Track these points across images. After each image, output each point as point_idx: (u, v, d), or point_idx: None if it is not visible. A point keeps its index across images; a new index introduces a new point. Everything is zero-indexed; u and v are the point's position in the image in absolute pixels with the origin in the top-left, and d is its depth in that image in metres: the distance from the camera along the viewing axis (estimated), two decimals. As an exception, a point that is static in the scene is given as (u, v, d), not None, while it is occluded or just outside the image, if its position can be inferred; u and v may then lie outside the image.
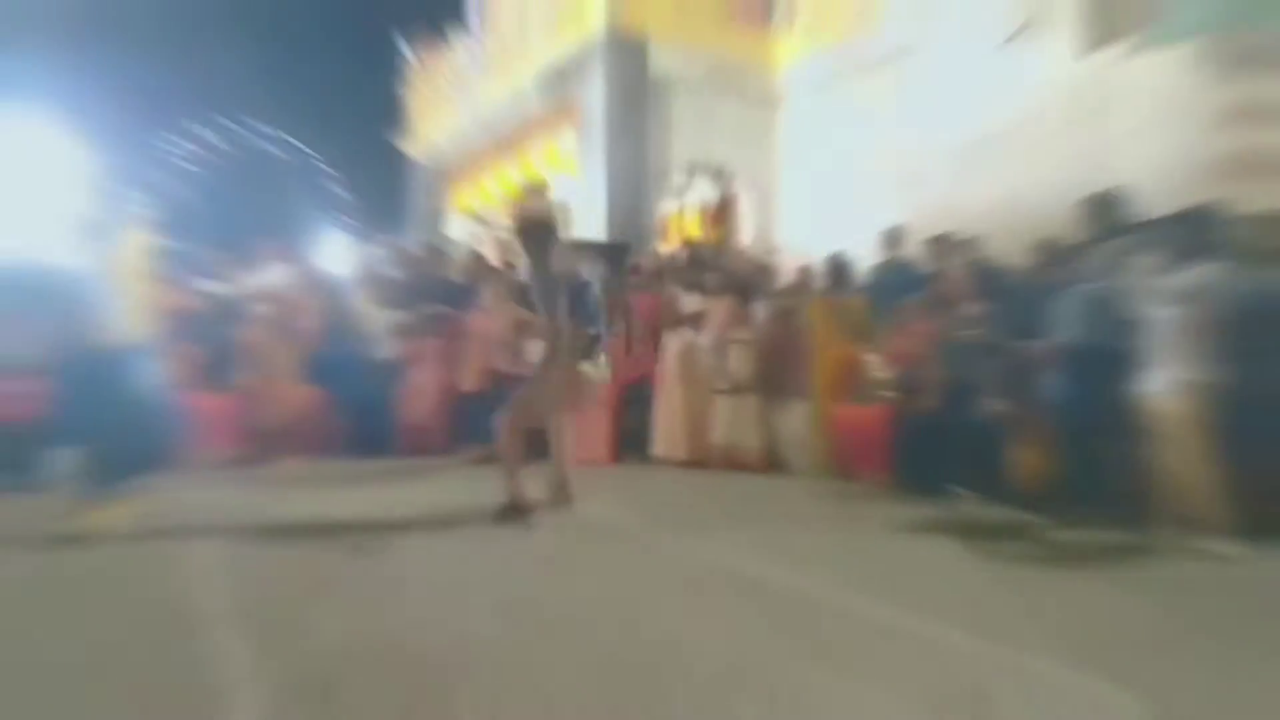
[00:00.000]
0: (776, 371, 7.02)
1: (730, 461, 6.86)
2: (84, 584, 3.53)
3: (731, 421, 6.96)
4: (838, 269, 7.24)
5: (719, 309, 7.48)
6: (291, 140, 27.46)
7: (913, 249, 7.72)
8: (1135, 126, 7.13)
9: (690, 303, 7.49)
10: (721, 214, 11.88)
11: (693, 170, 11.30)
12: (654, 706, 2.41)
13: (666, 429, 7.20)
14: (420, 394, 7.17)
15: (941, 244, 7.22)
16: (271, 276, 7.27)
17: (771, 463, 6.84)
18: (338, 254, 12.59)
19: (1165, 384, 4.25)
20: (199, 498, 5.35)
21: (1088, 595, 3.56)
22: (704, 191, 12.04)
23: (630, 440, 7.29)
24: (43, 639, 2.85)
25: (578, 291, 4.92)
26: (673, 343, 7.35)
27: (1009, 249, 6.64)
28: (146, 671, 2.59)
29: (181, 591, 3.38)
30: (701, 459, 7.03)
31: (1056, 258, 5.76)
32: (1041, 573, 3.96)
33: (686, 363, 7.27)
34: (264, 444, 6.64)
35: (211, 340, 6.89)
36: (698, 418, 7.18)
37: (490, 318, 7.48)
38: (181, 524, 4.57)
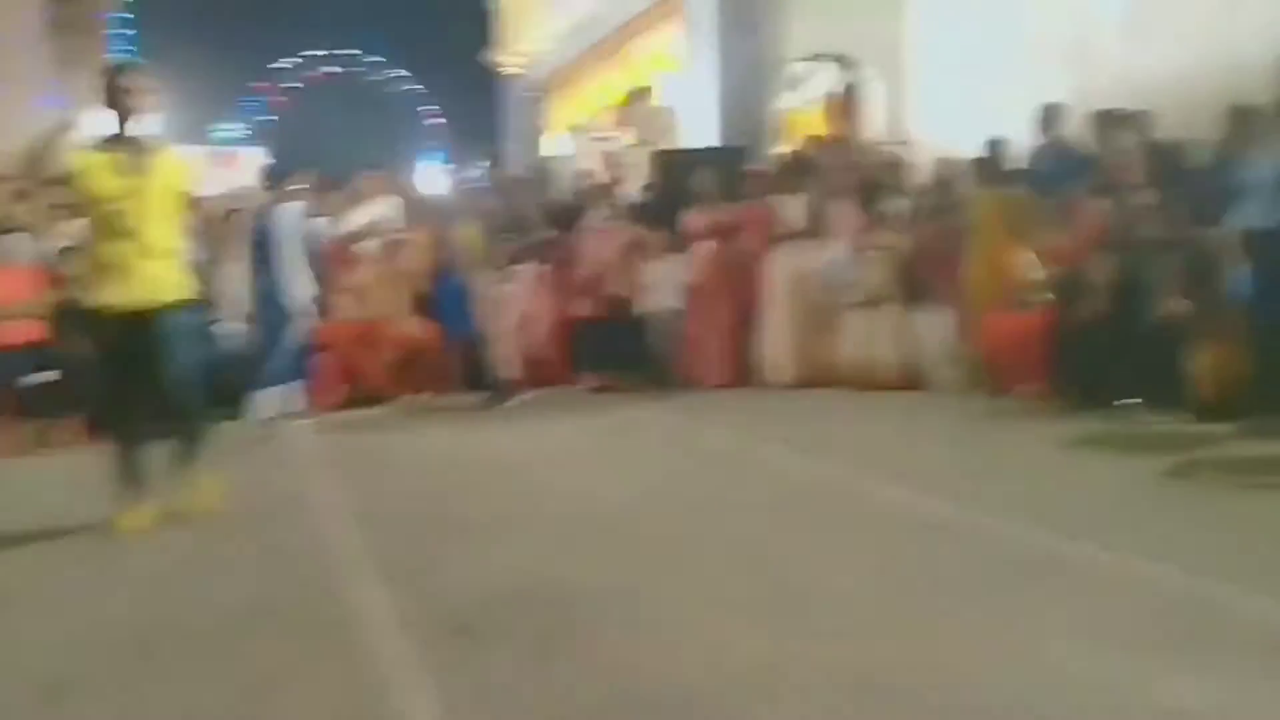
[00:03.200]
0: (918, 278, 6.76)
1: (863, 380, 6.69)
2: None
3: (865, 336, 6.76)
4: (996, 158, 6.80)
5: (844, 214, 7.22)
6: (384, 63, 28.03)
7: (1075, 129, 7.17)
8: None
9: (794, 210, 7.23)
10: (847, 105, 11.37)
11: (813, 59, 10.82)
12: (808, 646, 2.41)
13: (773, 351, 7.09)
14: (534, 323, 7.30)
15: (1108, 120, 6.65)
16: (377, 210, 7.48)
17: (911, 379, 6.63)
18: (439, 181, 12.86)
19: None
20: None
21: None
22: (827, 82, 11.54)
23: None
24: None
25: None
26: (779, 259, 7.16)
27: (1192, 125, 6.07)
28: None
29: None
30: (814, 380, 6.90)
31: (1251, 128, 5.22)
32: (1233, 492, 3.73)
33: (795, 279, 7.08)
34: (382, 383, 6.94)
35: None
36: (809, 336, 7.01)
37: (601, 240, 7.50)
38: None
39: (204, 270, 5.46)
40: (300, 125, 25.42)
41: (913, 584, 2.81)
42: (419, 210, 7.83)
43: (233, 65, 25.73)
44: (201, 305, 3.85)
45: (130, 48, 17.57)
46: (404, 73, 28.24)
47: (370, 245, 7.32)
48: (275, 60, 27.24)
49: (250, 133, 25.51)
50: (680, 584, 2.88)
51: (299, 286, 6.13)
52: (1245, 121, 5.31)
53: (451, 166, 21.76)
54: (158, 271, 3.56)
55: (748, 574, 2.95)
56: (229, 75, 25.60)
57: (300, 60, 27.21)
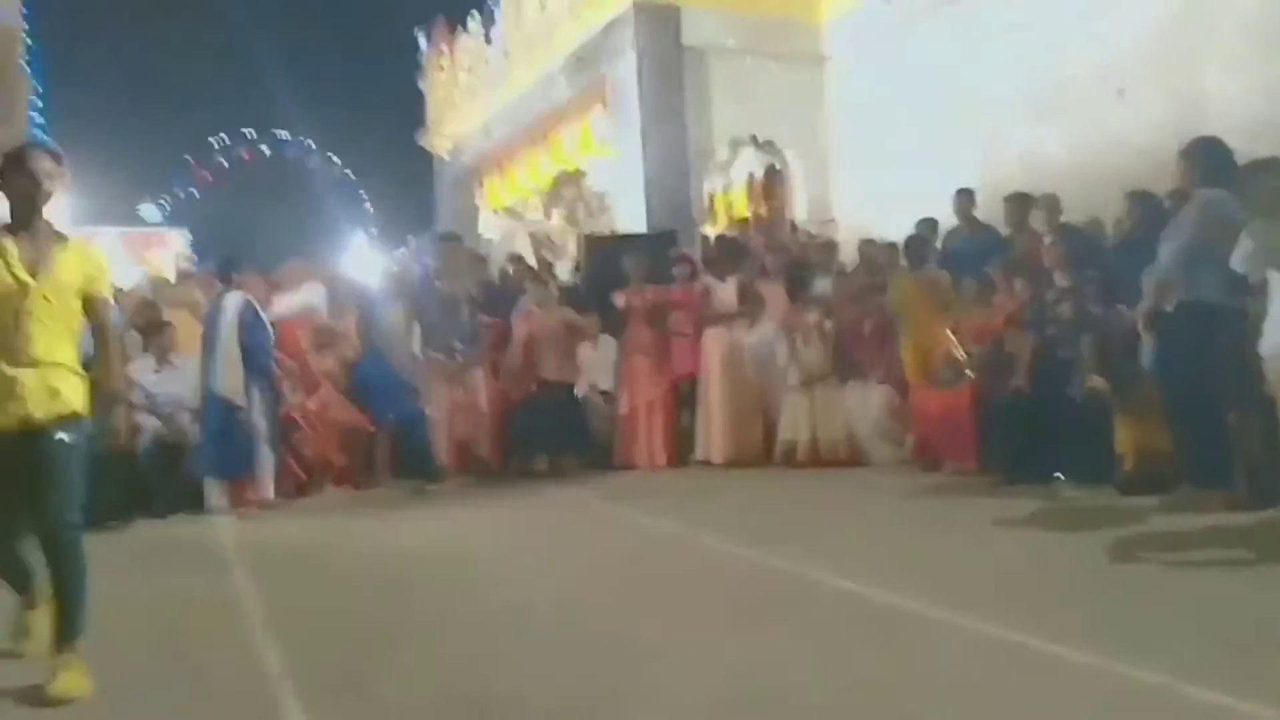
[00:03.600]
0: (850, 356, 6.86)
1: (798, 459, 6.71)
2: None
3: (800, 415, 6.80)
4: (922, 239, 7.02)
5: (774, 294, 7.34)
6: (313, 146, 27.93)
7: (988, 211, 7.48)
8: (1237, 56, 6.79)
9: (725, 292, 7.32)
10: (771, 188, 11.70)
11: (736, 144, 11.14)
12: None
13: (708, 431, 7.09)
14: (469, 407, 7.16)
15: (1021, 204, 6.96)
16: (302, 298, 7.33)
17: (846, 457, 6.67)
18: (368, 265, 12.73)
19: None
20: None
21: (1216, 592, 3.38)
22: (750, 165, 11.88)
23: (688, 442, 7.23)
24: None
25: None
26: (712, 340, 7.22)
27: (1096, 206, 6.39)
28: None
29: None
30: (749, 460, 6.90)
31: (1149, 212, 5.50)
32: (1162, 567, 3.78)
33: (728, 359, 7.14)
34: (311, 473, 6.71)
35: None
36: (744, 416, 7.05)
37: (534, 322, 7.46)
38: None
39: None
40: (226, 207, 25.05)
41: (875, 684, 2.70)
42: (345, 296, 7.70)
43: (159, 145, 25.40)
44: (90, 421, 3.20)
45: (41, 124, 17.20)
46: (333, 156, 28.19)
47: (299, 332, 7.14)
48: (202, 140, 26.96)
49: (173, 214, 25.01)
50: (633, 692, 2.75)
51: (234, 378, 6.05)
52: (1143, 207, 5.59)
53: (380, 248, 21.63)
54: (46, 384, 2.94)
55: (704, 677, 2.83)
56: (155, 155, 25.23)
57: (227, 141, 26.96)
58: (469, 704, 2.71)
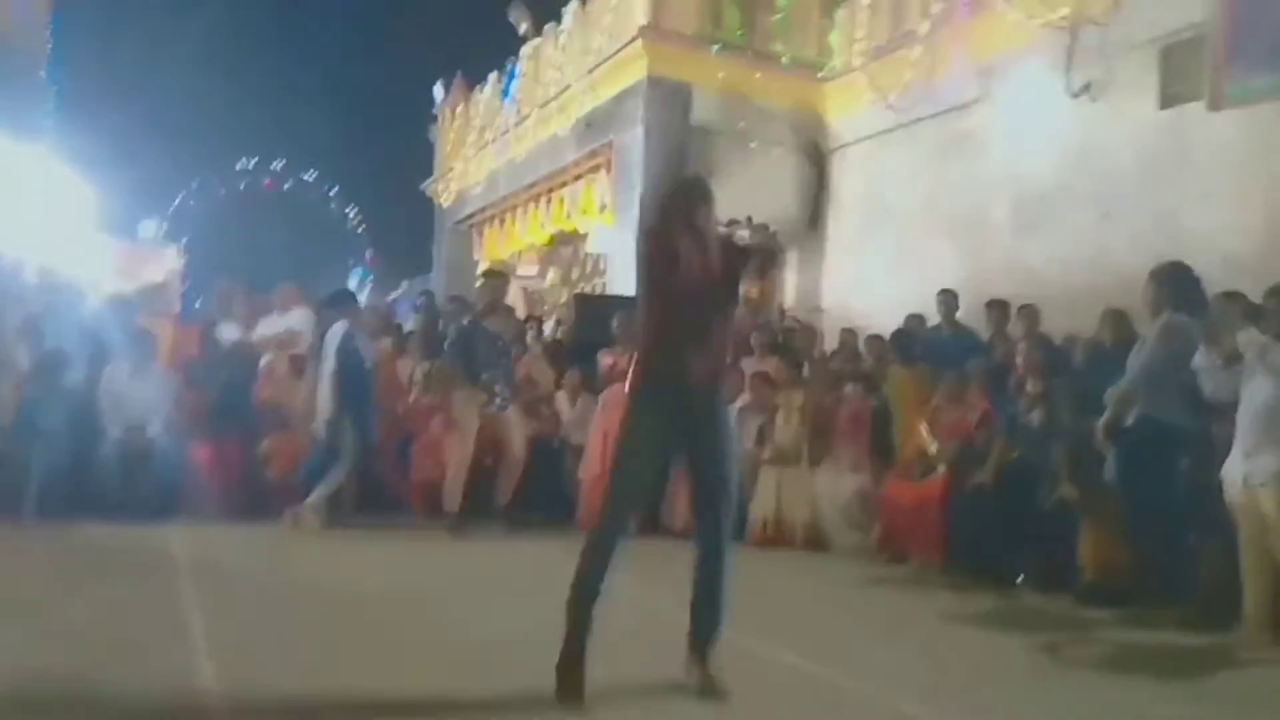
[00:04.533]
0: (824, 441, 6.89)
1: (766, 537, 6.67)
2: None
3: (771, 494, 6.78)
4: (910, 333, 7.14)
5: (756, 372, 7.39)
6: (318, 183, 28.24)
7: (970, 315, 7.64)
8: (1214, 183, 7.05)
9: None
10: (763, 271, 11.88)
11: (734, 223, 11.34)
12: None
13: (679, 500, 6.99)
14: (435, 451, 7.10)
15: (1001, 311, 7.14)
16: (289, 321, 7.35)
17: (813, 540, 6.64)
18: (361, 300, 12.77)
19: (1258, 472, 4.07)
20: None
21: (1145, 709, 3.40)
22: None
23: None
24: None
25: None
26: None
27: (1075, 322, 6.54)
28: None
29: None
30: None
31: (1125, 330, 5.65)
32: (1107, 679, 3.79)
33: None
34: (271, 497, 6.62)
35: (222, 387, 6.96)
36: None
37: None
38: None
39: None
40: (224, 230, 25.13)
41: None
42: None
43: (165, 165, 25.57)
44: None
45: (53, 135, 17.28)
46: (339, 193, 28.48)
47: (276, 358, 7.13)
48: (209, 164, 27.19)
49: (170, 233, 25.05)
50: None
51: (325, 401, 6.41)
52: (1117, 324, 5.75)
53: (378, 289, 21.71)
54: None
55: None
56: (159, 174, 25.38)
57: (235, 167, 27.21)
58: None
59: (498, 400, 6.59)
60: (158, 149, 24.92)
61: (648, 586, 4.06)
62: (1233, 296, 4.86)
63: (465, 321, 6.84)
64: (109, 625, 3.71)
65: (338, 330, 6.50)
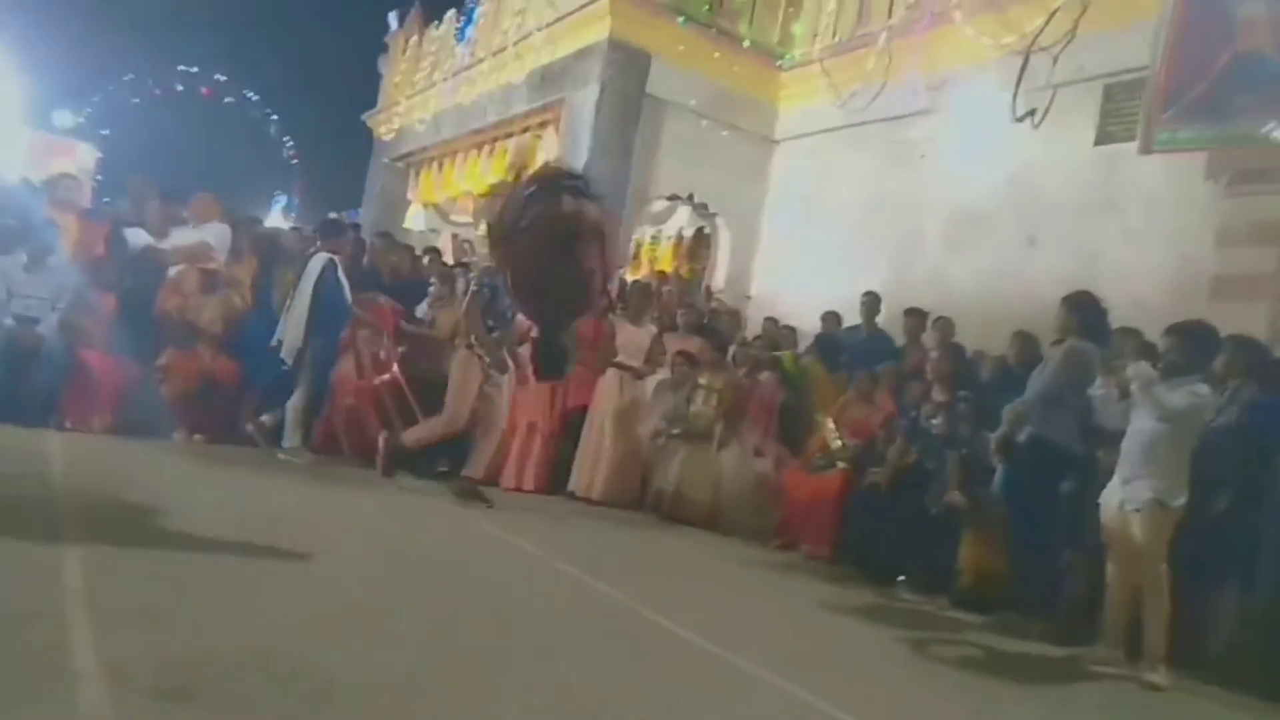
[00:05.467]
0: (734, 424, 6.99)
1: (666, 510, 6.76)
2: None
3: (683, 470, 6.87)
4: (828, 330, 7.29)
5: (676, 348, 7.45)
6: (254, 99, 27.17)
7: (889, 320, 7.83)
8: (1136, 225, 7.36)
9: (631, 334, 7.40)
10: (696, 250, 11.96)
11: (675, 199, 11.37)
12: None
13: (585, 465, 7.10)
14: (344, 387, 6.97)
15: (918, 319, 7.35)
16: (205, 234, 7.06)
17: (710, 519, 6.75)
18: (282, 225, 12.39)
19: (1135, 499, 4.30)
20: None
21: (998, 705, 3.60)
22: (683, 223, 12.13)
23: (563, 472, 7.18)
24: None
25: None
26: (610, 378, 7.27)
27: (988, 340, 6.76)
28: None
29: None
30: (618, 501, 6.92)
31: (1032, 353, 5.87)
32: (964, 674, 3.98)
33: (620, 401, 7.18)
34: (165, 414, 6.40)
35: (125, 292, 6.67)
36: (623, 459, 7.07)
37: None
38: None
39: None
40: (147, 133, 23.97)
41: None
42: (248, 243, 7.45)
43: (93, 57, 24.27)
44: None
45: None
46: (278, 121, 27.48)
47: (186, 269, 6.86)
48: (141, 64, 25.87)
49: (88, 128, 23.78)
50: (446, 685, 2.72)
51: (295, 336, 6.33)
52: (1025, 346, 5.97)
53: (300, 218, 21.07)
54: None
55: (525, 688, 2.82)
56: (85, 66, 24.07)
57: (169, 70, 25.94)
58: (268, 661, 2.62)
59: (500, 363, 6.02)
60: (96, 38, 23.64)
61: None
62: (1131, 332, 5.10)
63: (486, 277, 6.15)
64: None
65: (319, 261, 6.41)
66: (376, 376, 7.00)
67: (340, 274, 6.51)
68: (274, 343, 6.35)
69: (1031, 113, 7.93)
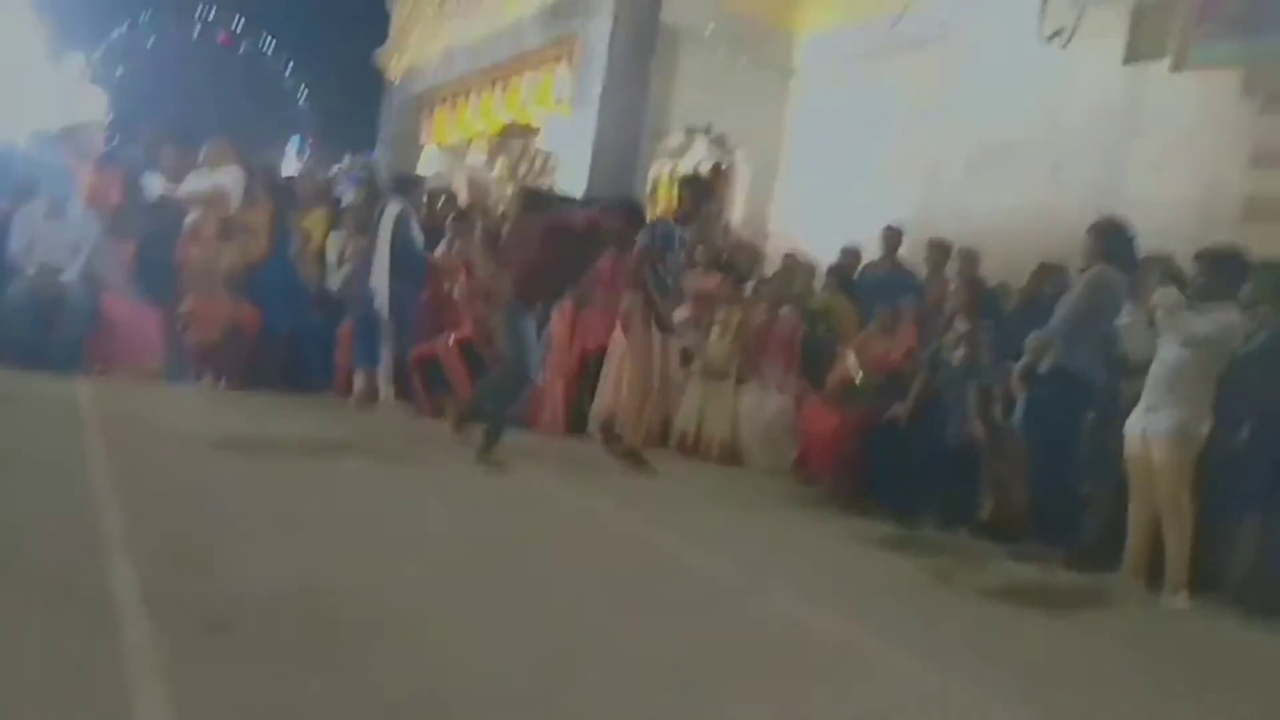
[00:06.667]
0: (754, 359, 7.01)
1: (687, 447, 6.83)
2: None
3: (698, 406, 6.92)
4: (845, 264, 7.23)
5: (696, 285, 7.43)
6: (276, 54, 26.85)
7: (912, 252, 7.76)
8: (1164, 150, 7.21)
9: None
10: (715, 184, 11.82)
11: (691, 132, 11.21)
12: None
13: (604, 404, 7.10)
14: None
15: (941, 250, 7.27)
16: (220, 180, 7.08)
17: (732, 454, 6.81)
18: (296, 168, 12.36)
19: (1159, 427, 4.30)
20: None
21: (1023, 631, 3.69)
22: (700, 157, 11.98)
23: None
24: None
25: None
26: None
27: (1013, 270, 6.69)
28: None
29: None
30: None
31: (1057, 284, 5.82)
32: (990, 602, 4.05)
33: (639, 339, 7.13)
34: (188, 361, 6.50)
35: (144, 240, 6.73)
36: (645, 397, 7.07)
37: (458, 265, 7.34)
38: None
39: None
40: (159, 78, 23.76)
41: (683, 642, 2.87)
42: (263, 188, 7.47)
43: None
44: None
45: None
46: (294, 67, 27.15)
47: (202, 215, 6.89)
48: (153, 8, 25.55)
49: (99, 74, 23.62)
50: (467, 612, 2.82)
51: (382, 279, 6.51)
52: (1049, 277, 5.91)
53: (311, 155, 20.91)
54: None
55: (532, 612, 2.92)
56: (94, 8, 23.78)
57: (181, 15, 25.61)
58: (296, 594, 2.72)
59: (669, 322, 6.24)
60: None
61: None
62: (1159, 259, 5.03)
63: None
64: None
65: (392, 211, 6.56)
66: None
67: (416, 225, 6.72)
68: (334, 287, 6.78)
69: (1059, 32, 7.71)
